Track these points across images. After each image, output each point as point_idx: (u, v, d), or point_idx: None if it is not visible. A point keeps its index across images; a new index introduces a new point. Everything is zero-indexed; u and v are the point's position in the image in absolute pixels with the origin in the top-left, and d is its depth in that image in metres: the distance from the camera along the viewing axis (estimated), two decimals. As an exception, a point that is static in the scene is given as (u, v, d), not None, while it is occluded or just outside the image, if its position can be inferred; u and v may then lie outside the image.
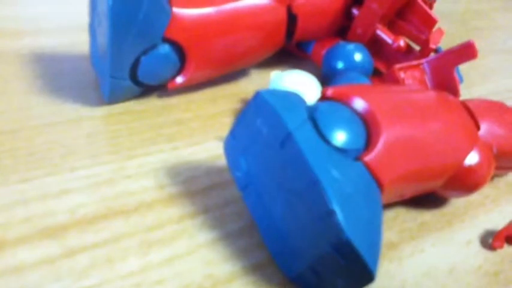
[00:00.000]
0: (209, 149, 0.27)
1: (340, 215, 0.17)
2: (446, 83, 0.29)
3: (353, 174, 0.19)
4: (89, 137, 0.26)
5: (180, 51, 0.27)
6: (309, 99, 0.27)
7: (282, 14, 0.29)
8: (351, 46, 0.31)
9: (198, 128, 0.28)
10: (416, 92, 0.24)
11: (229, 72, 0.31)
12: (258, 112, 0.20)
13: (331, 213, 0.17)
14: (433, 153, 0.22)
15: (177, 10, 0.26)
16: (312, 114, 0.20)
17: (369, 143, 0.20)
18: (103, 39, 0.25)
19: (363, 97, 0.21)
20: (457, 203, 0.26)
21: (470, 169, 0.24)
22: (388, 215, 0.25)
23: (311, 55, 0.34)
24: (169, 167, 0.25)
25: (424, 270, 0.22)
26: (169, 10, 0.25)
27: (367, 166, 0.20)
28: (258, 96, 0.20)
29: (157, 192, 0.23)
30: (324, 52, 0.33)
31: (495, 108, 0.27)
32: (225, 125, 0.29)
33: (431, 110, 0.23)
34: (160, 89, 0.30)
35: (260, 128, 0.20)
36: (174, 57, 0.27)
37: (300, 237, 0.19)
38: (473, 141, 0.24)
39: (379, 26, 0.33)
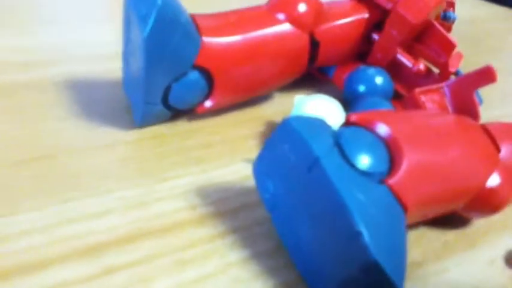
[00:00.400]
0: (237, 171, 0.28)
1: (367, 237, 0.18)
2: (466, 107, 0.30)
3: (378, 196, 0.20)
4: (122, 160, 0.27)
5: (208, 77, 0.28)
6: (333, 124, 0.27)
7: (305, 41, 0.30)
8: (372, 70, 0.32)
9: (225, 151, 0.29)
10: (437, 116, 0.25)
11: (253, 97, 0.32)
12: (285, 138, 0.21)
13: (358, 235, 0.18)
14: (454, 177, 0.23)
15: (206, 39, 0.27)
16: (337, 139, 0.21)
17: (392, 167, 0.21)
18: (137, 67, 0.26)
19: (385, 123, 0.22)
20: (479, 222, 0.27)
21: (492, 191, 0.24)
22: (413, 235, 0.25)
23: (332, 79, 0.36)
24: (199, 188, 0.26)
25: (448, 290, 0.23)
26: (198, 39, 0.27)
27: (391, 189, 0.21)
28: (285, 123, 0.21)
29: (188, 213, 0.24)
30: (345, 76, 0.34)
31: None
32: (250, 147, 0.30)
33: (452, 134, 0.24)
34: (188, 113, 0.31)
35: (287, 154, 0.21)
36: (203, 83, 0.28)
37: (327, 258, 0.20)
38: (493, 164, 0.24)
39: (399, 50, 0.34)
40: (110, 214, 0.24)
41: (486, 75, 0.29)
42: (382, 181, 0.21)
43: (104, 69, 0.35)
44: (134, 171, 0.27)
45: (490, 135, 0.26)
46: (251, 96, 0.32)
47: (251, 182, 0.27)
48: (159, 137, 0.29)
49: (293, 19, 0.30)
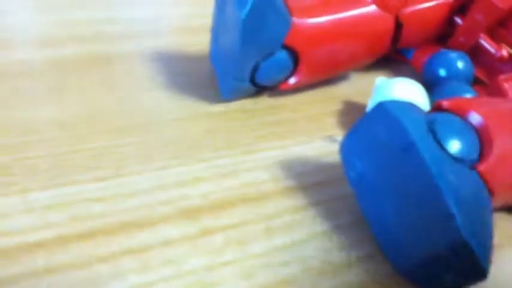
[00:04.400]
0: (316, 147, 0.29)
1: (459, 218, 0.19)
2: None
3: (468, 181, 0.21)
4: (210, 132, 0.29)
5: (294, 56, 0.29)
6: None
7: (390, 23, 0.31)
8: (454, 54, 0.32)
9: (305, 128, 0.30)
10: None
11: (334, 76, 0.33)
12: (380, 121, 0.22)
13: (450, 217, 0.19)
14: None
15: (296, 20, 0.28)
16: (430, 124, 0.22)
17: (482, 154, 0.22)
18: (230, 45, 0.28)
19: (477, 111, 0.23)
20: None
21: None
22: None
23: (411, 61, 0.36)
24: (282, 161, 0.27)
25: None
26: (289, 20, 0.28)
27: (480, 175, 0.21)
28: (381, 106, 0.22)
29: (273, 184, 0.26)
30: (424, 59, 0.34)
31: None
32: (328, 125, 0.31)
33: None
34: (270, 89, 0.32)
35: (381, 136, 0.22)
36: (289, 62, 0.29)
37: (412, 235, 0.21)
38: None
39: (482, 35, 0.33)
40: (203, 181, 0.25)
41: None
42: (472, 167, 0.21)
43: (186, 43, 0.37)
44: (222, 142, 0.28)
45: None
46: (332, 76, 0.33)
47: (330, 158, 0.28)
48: (243, 111, 0.31)
49: (381, 1, 0.30)
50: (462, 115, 0.23)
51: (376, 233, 0.23)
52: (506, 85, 0.30)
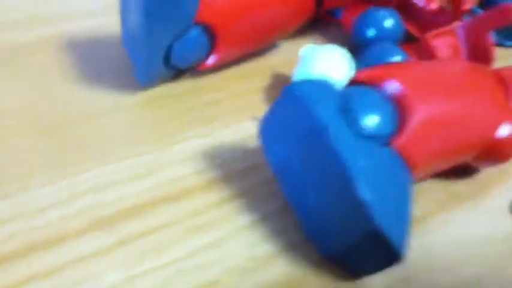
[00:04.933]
0: (243, 129, 0.27)
1: (370, 205, 0.18)
2: (480, 49, 0.29)
3: (383, 160, 0.20)
4: (131, 125, 0.27)
5: (210, 32, 0.27)
6: (342, 75, 0.27)
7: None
8: (381, 13, 0.31)
9: (231, 108, 0.29)
10: (448, 66, 0.24)
11: (259, 48, 0.31)
12: (290, 106, 0.21)
13: (362, 204, 0.18)
14: (463, 130, 0.22)
15: (204, -7, 0.26)
16: (343, 103, 0.20)
17: (401, 125, 0.21)
18: (135, 26, 0.26)
19: (394, 79, 0.22)
20: (490, 169, 0.26)
21: (502, 141, 0.24)
22: (420, 187, 0.25)
23: (341, 22, 0.34)
24: (206, 151, 0.26)
25: (454, 241, 0.23)
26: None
27: (397, 150, 0.20)
28: (288, 90, 0.21)
29: (196, 178, 0.25)
30: (353, 19, 0.33)
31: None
32: (256, 103, 0.29)
33: (463, 85, 0.23)
34: (193, 70, 0.30)
35: (293, 120, 0.21)
36: (205, 39, 0.28)
37: (334, 223, 0.20)
38: (504, 114, 0.24)
39: (411, -13, 0.32)
40: (122, 184, 0.24)
41: (502, 15, 0.28)
42: (389, 143, 0.20)
43: (100, 25, 0.34)
44: (143, 135, 0.27)
45: (504, 83, 0.25)
46: (256, 48, 0.31)
47: (257, 141, 0.27)
48: (165, 97, 0.29)
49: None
50: (379, 86, 0.22)
51: (300, 219, 0.22)
52: (433, 42, 0.29)
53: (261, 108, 0.29)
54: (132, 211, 0.23)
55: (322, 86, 0.21)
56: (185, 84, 0.30)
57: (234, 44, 0.29)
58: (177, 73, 0.29)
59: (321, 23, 0.35)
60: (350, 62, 0.28)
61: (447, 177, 0.26)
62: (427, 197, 0.25)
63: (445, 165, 0.23)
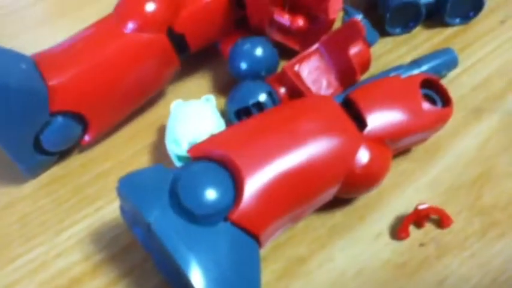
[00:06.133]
0: (129, 199, 0.28)
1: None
2: (344, 65, 0.28)
3: (220, 240, 0.20)
4: (22, 219, 0.28)
5: (75, 115, 0.28)
6: (207, 131, 0.27)
7: (163, 42, 0.29)
8: (248, 44, 0.30)
9: (117, 179, 0.29)
10: (280, 116, 0.24)
11: (136, 108, 0.31)
12: (124, 200, 0.21)
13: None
14: (311, 179, 0.23)
15: (53, 82, 0.26)
16: (174, 187, 0.21)
17: (237, 197, 0.21)
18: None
19: (221, 148, 0.22)
20: (366, 196, 0.26)
21: (362, 170, 0.24)
22: (298, 227, 0.26)
23: (222, 53, 0.34)
24: (93, 232, 0.27)
25: (332, 280, 0.24)
26: (43, 88, 0.26)
27: (235, 224, 0.21)
28: (118, 186, 0.21)
29: (83, 265, 0.26)
30: (229, 50, 0.32)
31: (387, 89, 0.26)
32: (143, 166, 0.30)
33: (300, 131, 0.23)
34: (79, 146, 0.31)
35: (133, 210, 0.21)
36: (71, 123, 0.28)
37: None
38: (355, 141, 0.24)
39: (274, 9, 0.31)
40: (16, 285, 0.25)
41: (353, 30, 0.27)
42: (226, 217, 0.21)
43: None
44: (34, 228, 0.28)
45: (356, 106, 0.25)
46: (132, 111, 0.31)
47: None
48: (54, 181, 0.30)
49: (145, 23, 0.28)
50: (210, 158, 0.22)
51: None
52: (296, 67, 0.29)
53: (147, 171, 0.29)
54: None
55: (153, 176, 0.21)
56: (73, 162, 0.30)
57: (106, 117, 0.29)
58: (62, 152, 0.30)
59: (207, 57, 0.35)
60: (216, 116, 0.28)
61: (327, 210, 0.26)
62: (307, 236, 0.25)
63: (302, 215, 0.23)
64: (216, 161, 0.22)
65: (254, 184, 0.21)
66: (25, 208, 0.29)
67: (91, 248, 0.26)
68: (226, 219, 0.21)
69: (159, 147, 0.30)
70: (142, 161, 0.30)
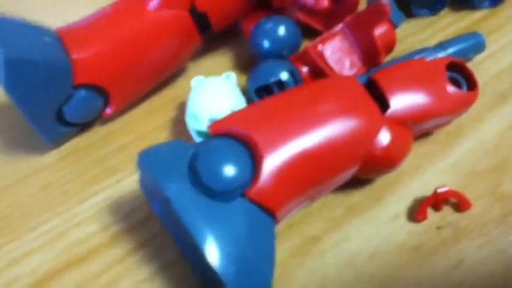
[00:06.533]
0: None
1: (221, 275, 0.19)
2: (369, 46, 0.28)
3: (237, 216, 0.20)
4: (44, 188, 0.29)
5: (98, 88, 0.28)
6: (228, 108, 0.27)
7: (185, 20, 0.28)
8: (271, 23, 0.30)
9: (138, 152, 0.30)
10: (300, 95, 0.24)
11: (158, 83, 0.31)
12: (144, 173, 0.22)
13: (217, 275, 0.19)
14: (330, 158, 0.22)
15: (77, 55, 0.26)
16: (193, 163, 0.21)
17: (255, 174, 0.21)
18: (17, 104, 0.26)
19: (241, 126, 0.22)
20: (385, 177, 0.26)
21: (384, 150, 0.24)
22: (314, 206, 0.26)
23: (242, 31, 0.33)
24: (113, 203, 0.27)
25: (346, 261, 0.24)
26: (67, 62, 0.26)
27: (252, 200, 0.21)
28: (139, 160, 0.21)
29: (101, 236, 0.26)
30: (251, 28, 0.32)
31: (411, 71, 0.26)
32: (162, 141, 0.30)
33: (319, 111, 0.23)
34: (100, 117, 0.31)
35: (152, 184, 0.22)
36: (93, 96, 0.28)
37: (209, 273, 0.21)
38: (376, 122, 0.23)
39: (299, -13, 0.31)
40: (35, 253, 0.26)
41: (379, 11, 0.27)
42: (244, 193, 0.21)
43: None
44: (55, 197, 0.28)
45: (380, 88, 0.25)
46: (154, 86, 0.31)
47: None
48: (76, 152, 0.30)
49: (165, 1, 0.28)
50: (229, 135, 0.22)
51: (192, 265, 0.23)
52: (320, 47, 0.28)
53: (167, 145, 0.30)
54: (44, 280, 0.25)
55: (173, 151, 0.22)
56: (95, 134, 0.31)
57: (128, 91, 0.29)
58: (84, 124, 0.30)
59: (229, 35, 0.35)
60: (236, 93, 0.28)
61: (344, 189, 0.26)
62: (323, 215, 0.26)
63: (319, 194, 0.23)
64: (235, 138, 0.22)
65: (272, 162, 0.21)
66: (47, 177, 0.29)
67: (109, 219, 0.27)
68: (243, 195, 0.21)
69: (178, 123, 0.31)
70: (162, 135, 0.30)
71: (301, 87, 0.26)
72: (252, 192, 0.21)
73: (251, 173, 0.21)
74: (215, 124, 0.23)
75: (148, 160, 0.21)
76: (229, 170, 0.21)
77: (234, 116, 0.23)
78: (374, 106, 0.24)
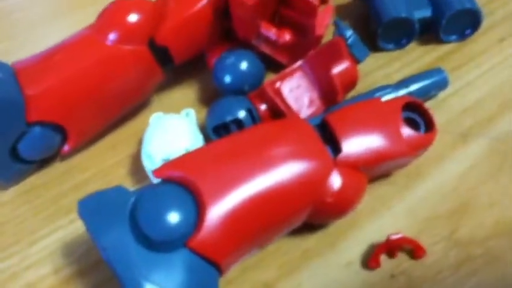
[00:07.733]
0: (105, 211, 0.28)
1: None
2: (327, 84, 0.28)
3: (177, 269, 0.20)
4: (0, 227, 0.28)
5: (53, 125, 0.28)
6: (184, 146, 0.26)
7: (144, 53, 0.28)
8: (232, 57, 0.30)
9: (95, 189, 0.29)
10: (251, 139, 0.23)
11: (118, 118, 0.31)
12: (84, 220, 0.21)
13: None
14: (275, 205, 0.22)
15: (31, 91, 0.26)
16: (133, 210, 0.21)
17: (198, 223, 0.21)
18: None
19: (185, 171, 0.22)
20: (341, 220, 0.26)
21: (333, 197, 0.23)
22: (269, 250, 0.25)
23: (208, 65, 0.33)
24: (66, 245, 0.27)
25: (297, 309, 0.23)
26: (20, 96, 0.26)
27: (195, 251, 0.20)
28: (79, 205, 0.21)
29: (53, 278, 0.26)
30: (214, 62, 0.32)
31: (366, 113, 0.25)
32: (122, 177, 0.30)
33: (268, 156, 0.22)
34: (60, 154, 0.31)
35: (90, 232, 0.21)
36: (49, 133, 0.28)
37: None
38: (324, 171, 0.23)
39: (261, 22, 0.30)
40: (-16, 296, 0.25)
41: (335, 49, 0.26)
42: (186, 243, 0.20)
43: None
44: (8, 238, 0.28)
45: (333, 131, 0.24)
46: (114, 121, 0.31)
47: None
48: (34, 189, 0.30)
49: (125, 35, 0.28)
50: (175, 180, 0.22)
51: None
52: (278, 84, 0.28)
53: (126, 182, 0.29)
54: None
55: (112, 199, 0.21)
56: (54, 170, 0.30)
57: (85, 128, 0.29)
58: (42, 161, 0.30)
59: (190, 68, 0.34)
60: (194, 131, 0.28)
61: (299, 233, 0.25)
62: (276, 260, 0.25)
63: (269, 240, 0.23)
64: (180, 184, 0.22)
65: (217, 210, 0.21)
66: (3, 216, 0.29)
67: (62, 261, 0.26)
68: (185, 245, 0.20)
69: (139, 159, 0.30)
70: (122, 171, 0.30)
71: (252, 129, 0.26)
72: (194, 242, 0.20)
73: (194, 222, 0.21)
74: (160, 168, 0.22)
75: (86, 209, 0.21)
76: (170, 219, 0.20)
77: (181, 160, 0.23)
78: (324, 150, 0.23)
